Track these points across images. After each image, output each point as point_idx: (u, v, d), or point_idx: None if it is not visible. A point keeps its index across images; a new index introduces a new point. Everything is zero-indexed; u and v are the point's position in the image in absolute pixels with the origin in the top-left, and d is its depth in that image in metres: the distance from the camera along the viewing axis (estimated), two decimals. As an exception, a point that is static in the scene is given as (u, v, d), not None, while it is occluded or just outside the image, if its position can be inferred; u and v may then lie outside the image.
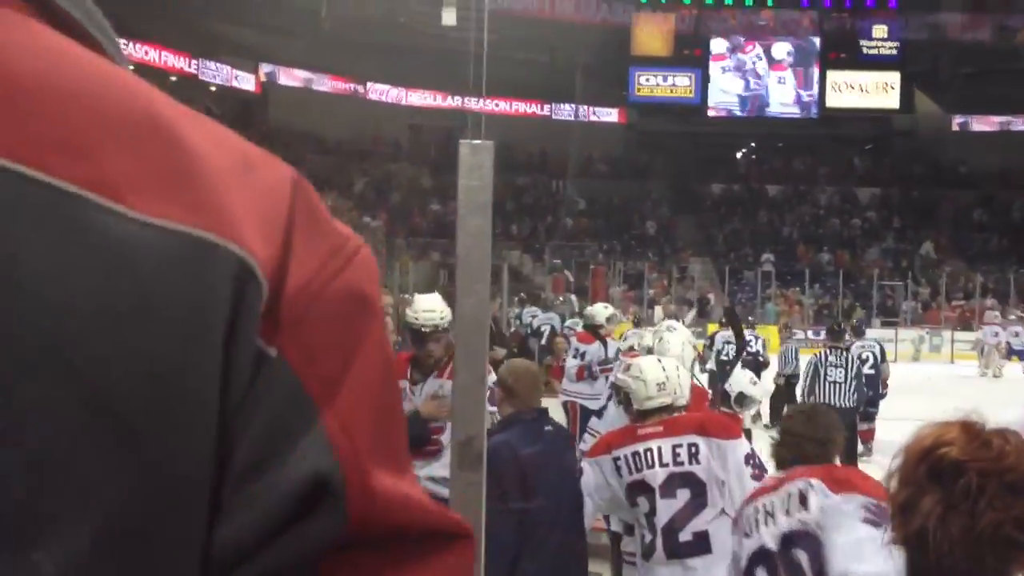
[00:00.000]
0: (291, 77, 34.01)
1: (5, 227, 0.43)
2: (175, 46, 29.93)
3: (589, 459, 4.20)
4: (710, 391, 8.41)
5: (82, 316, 0.44)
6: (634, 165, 38.07)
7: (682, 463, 3.93)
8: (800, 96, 37.89)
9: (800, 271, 32.53)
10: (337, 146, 34.98)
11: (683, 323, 9.53)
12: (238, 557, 0.48)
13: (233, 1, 30.77)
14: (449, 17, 30.30)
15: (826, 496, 2.93)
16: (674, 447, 3.96)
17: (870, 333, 19.80)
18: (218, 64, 31.72)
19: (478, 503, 1.62)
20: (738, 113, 38.20)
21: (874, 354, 11.71)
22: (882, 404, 11.68)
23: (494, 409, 4.17)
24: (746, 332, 13.65)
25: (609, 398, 6.82)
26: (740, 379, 8.53)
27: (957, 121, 37.67)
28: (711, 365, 13.24)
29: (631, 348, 8.85)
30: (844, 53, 37.66)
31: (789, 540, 3.00)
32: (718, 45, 37.80)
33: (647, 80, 37.75)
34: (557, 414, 7.93)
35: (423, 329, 4.96)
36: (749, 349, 12.91)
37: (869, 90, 37.72)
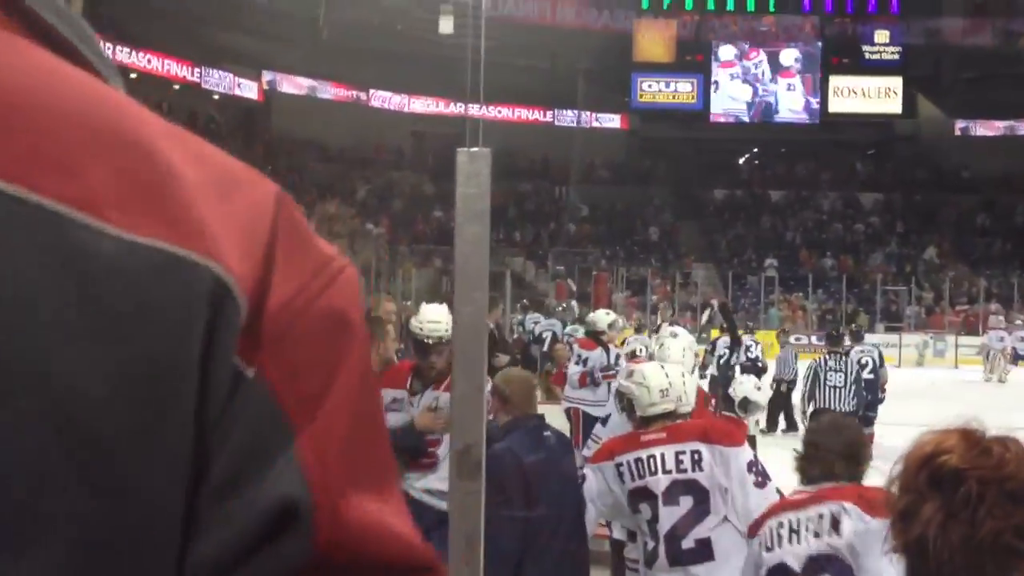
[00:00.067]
0: (293, 85, 34.07)
1: None
2: (177, 54, 29.99)
3: (592, 465, 4.19)
4: (712, 397, 8.43)
5: (56, 333, 0.44)
6: (636, 171, 38.09)
7: (685, 470, 3.92)
8: (810, 103, 37.92)
9: (803, 276, 32.55)
10: (340, 153, 35.04)
11: (701, 323, 9.56)
12: (216, 574, 0.47)
13: (233, 9, 30.86)
14: (446, 25, 30.33)
15: (862, 521, 2.90)
16: (677, 454, 3.95)
17: (874, 338, 19.79)
18: (221, 72, 31.77)
19: (477, 512, 1.61)
20: (746, 120, 38.24)
21: (873, 359, 11.78)
22: (885, 409, 11.69)
23: (491, 417, 4.17)
24: (745, 337, 13.68)
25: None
26: (745, 384, 8.55)
27: (959, 126, 37.67)
28: (712, 370, 13.26)
29: (633, 353, 8.87)
30: (846, 58, 37.68)
31: (815, 563, 2.96)
32: (726, 52, 37.84)
33: (649, 86, 37.78)
34: (560, 420, 7.93)
35: (427, 340, 4.94)
36: (749, 354, 12.93)
37: (871, 95, 37.73)
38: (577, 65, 36.01)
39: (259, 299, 0.49)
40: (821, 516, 2.99)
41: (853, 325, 18.07)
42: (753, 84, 37.98)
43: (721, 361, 13.08)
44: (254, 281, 0.48)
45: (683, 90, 37.87)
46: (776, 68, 37.94)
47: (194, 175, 0.49)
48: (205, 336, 0.47)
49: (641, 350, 8.90)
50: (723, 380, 11.37)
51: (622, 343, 10.15)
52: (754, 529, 3.26)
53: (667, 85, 37.81)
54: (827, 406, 9.96)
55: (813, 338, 24.93)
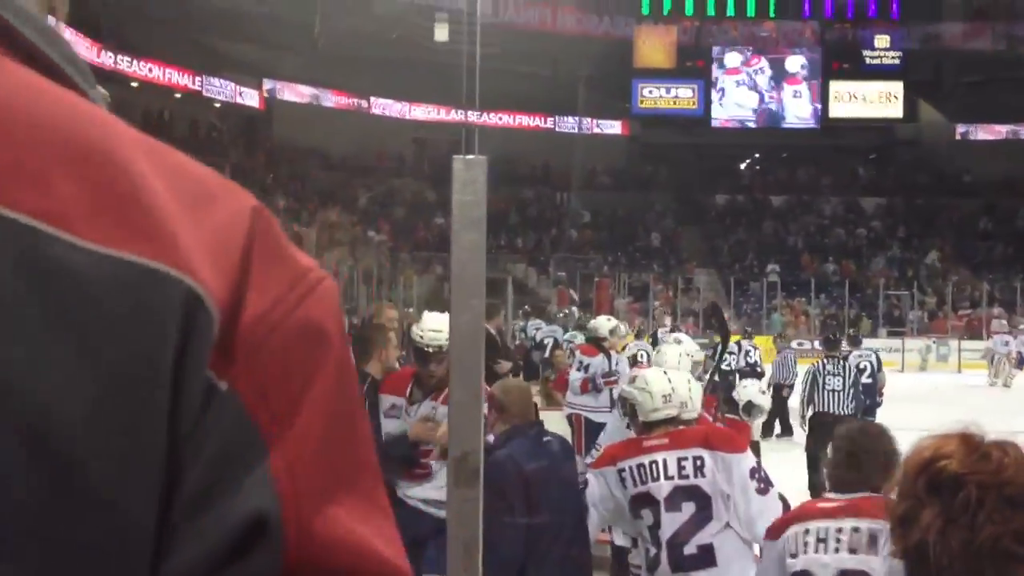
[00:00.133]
0: (295, 93, 34.11)
1: None
2: (179, 63, 30.04)
3: (594, 470, 4.18)
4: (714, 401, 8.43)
5: (26, 347, 0.43)
6: (638, 177, 38.12)
7: (687, 476, 3.92)
8: (816, 110, 37.94)
9: (805, 281, 32.55)
10: (341, 161, 35.07)
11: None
12: None
13: (234, 18, 30.87)
14: (442, 33, 30.31)
15: None
16: (679, 460, 3.94)
17: (877, 343, 19.78)
18: (222, 80, 31.80)
19: (475, 519, 1.61)
20: (752, 126, 38.26)
21: (871, 363, 11.80)
22: (888, 413, 11.68)
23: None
24: (743, 342, 13.64)
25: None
26: (750, 388, 8.58)
27: (960, 130, 37.68)
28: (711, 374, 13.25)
29: (635, 358, 8.89)
30: (847, 63, 37.71)
31: None
32: (732, 59, 37.88)
33: (650, 92, 37.82)
34: (561, 427, 7.93)
35: (427, 349, 4.92)
36: (748, 359, 12.92)
37: (872, 100, 37.76)
38: (578, 72, 36.04)
39: (233, 312, 0.48)
40: (856, 530, 2.91)
41: (851, 330, 18.08)
42: (760, 91, 38.01)
43: (722, 366, 13.08)
44: (228, 294, 0.48)
45: (684, 96, 37.90)
46: (782, 75, 37.98)
47: (168, 188, 0.49)
48: (177, 349, 0.46)
49: (642, 355, 8.91)
50: (724, 384, 11.38)
51: (623, 349, 10.16)
52: (775, 532, 3.18)
53: (668, 91, 37.86)
54: (825, 410, 10.02)
55: (816, 343, 24.90)
